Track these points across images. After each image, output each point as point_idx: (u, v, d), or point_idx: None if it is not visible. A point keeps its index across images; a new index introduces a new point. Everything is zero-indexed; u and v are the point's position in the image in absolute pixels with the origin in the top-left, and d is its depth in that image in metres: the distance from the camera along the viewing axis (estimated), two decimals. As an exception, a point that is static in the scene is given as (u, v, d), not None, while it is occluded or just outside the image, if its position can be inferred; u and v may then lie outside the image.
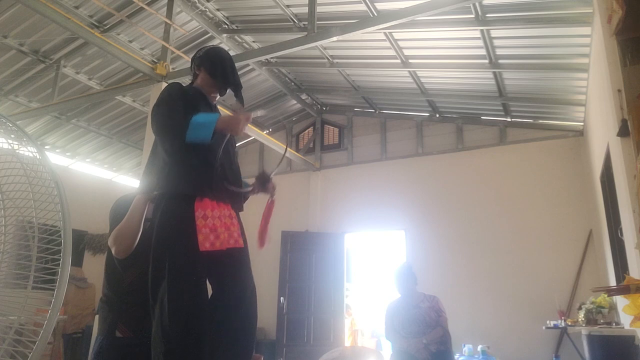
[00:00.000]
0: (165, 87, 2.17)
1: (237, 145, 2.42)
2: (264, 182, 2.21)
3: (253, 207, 2.50)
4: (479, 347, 5.83)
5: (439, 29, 5.59)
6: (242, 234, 2.11)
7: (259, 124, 9.34)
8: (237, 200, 2.14)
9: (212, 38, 6.82)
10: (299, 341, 7.69)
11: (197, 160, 1.98)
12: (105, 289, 2.15)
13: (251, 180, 2.27)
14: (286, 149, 2.59)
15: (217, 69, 2.21)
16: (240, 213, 2.18)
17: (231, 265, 2.02)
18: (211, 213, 1.97)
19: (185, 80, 7.03)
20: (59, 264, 1.70)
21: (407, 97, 7.79)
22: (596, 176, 5.43)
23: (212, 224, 1.95)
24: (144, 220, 2.05)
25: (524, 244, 6.81)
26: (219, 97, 2.31)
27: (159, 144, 2.05)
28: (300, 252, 8.15)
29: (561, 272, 6.51)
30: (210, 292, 2.00)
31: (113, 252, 2.04)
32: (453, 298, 6.15)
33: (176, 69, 6.32)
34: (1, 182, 1.86)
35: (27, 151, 1.85)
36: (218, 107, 2.39)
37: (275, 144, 7.99)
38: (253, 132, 7.48)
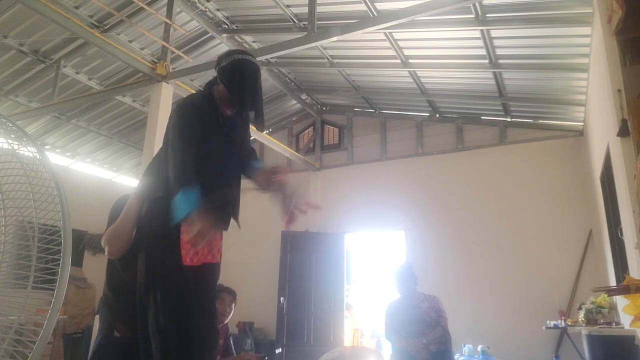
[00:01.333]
0: (181, 106, 2.08)
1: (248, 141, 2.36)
2: (269, 178, 2.21)
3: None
4: (479, 347, 5.82)
5: (439, 29, 5.59)
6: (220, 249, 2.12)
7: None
8: (224, 214, 2.08)
9: (212, 38, 6.82)
10: (299, 341, 7.69)
11: (204, 173, 1.94)
12: (106, 288, 2.15)
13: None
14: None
15: (234, 88, 2.07)
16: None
17: (203, 280, 2.02)
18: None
19: (186, 80, 7.04)
20: (59, 264, 1.70)
21: (407, 97, 7.79)
22: (596, 176, 5.43)
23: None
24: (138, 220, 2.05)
25: (524, 244, 6.81)
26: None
27: (166, 156, 2.00)
28: (300, 252, 8.14)
29: (561, 272, 6.51)
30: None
31: (106, 252, 2.02)
32: (453, 298, 6.14)
33: (176, 69, 6.32)
34: (1, 182, 1.86)
35: (27, 151, 1.86)
36: (236, 118, 2.23)
37: (276, 144, 7.99)
38: (253, 133, 7.47)
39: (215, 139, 2.10)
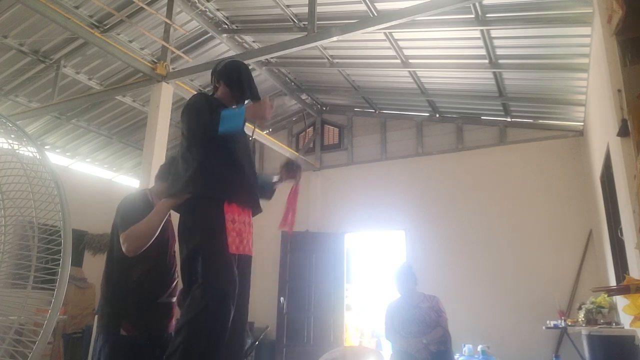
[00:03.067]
0: (192, 97, 2.29)
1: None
2: (290, 169, 2.41)
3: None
4: (479, 347, 5.82)
5: (439, 29, 5.59)
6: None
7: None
8: (257, 206, 2.26)
9: (212, 38, 6.81)
10: (299, 341, 7.69)
11: (227, 167, 2.10)
12: (105, 289, 2.15)
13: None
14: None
15: (234, 81, 2.34)
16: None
17: (244, 271, 2.11)
18: (237, 218, 2.08)
19: (186, 80, 7.05)
20: (59, 264, 1.70)
21: (407, 97, 7.79)
22: (596, 176, 5.43)
23: (238, 228, 2.07)
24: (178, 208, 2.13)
25: (524, 244, 6.81)
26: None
27: (190, 147, 2.14)
28: (300, 252, 8.14)
29: (561, 272, 6.51)
30: None
31: (124, 248, 2.03)
32: (453, 298, 6.14)
33: (176, 69, 6.31)
34: (1, 182, 1.86)
35: (27, 151, 1.86)
36: None
37: (276, 144, 7.99)
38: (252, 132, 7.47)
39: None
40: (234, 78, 2.34)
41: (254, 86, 2.39)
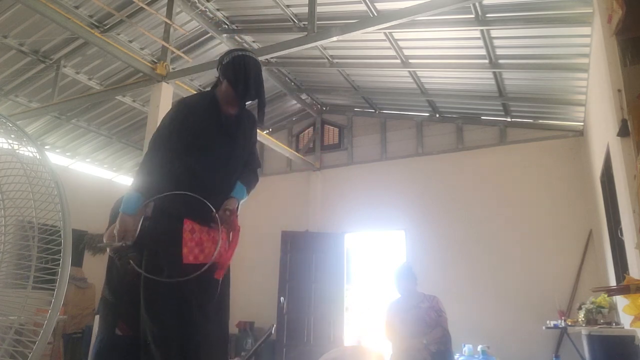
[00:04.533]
0: (174, 106, 2.17)
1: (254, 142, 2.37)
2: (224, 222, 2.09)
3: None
4: (479, 347, 5.82)
5: (439, 29, 5.59)
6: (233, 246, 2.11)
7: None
8: (215, 221, 2.07)
9: (212, 38, 6.81)
10: (299, 341, 7.69)
11: (184, 183, 1.98)
12: (105, 289, 2.16)
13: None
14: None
15: (239, 80, 2.12)
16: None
17: (211, 279, 2.00)
18: (199, 227, 1.99)
19: (186, 80, 7.04)
20: (59, 264, 1.70)
21: (407, 97, 7.79)
22: (596, 176, 5.43)
23: (198, 238, 1.97)
24: (144, 219, 2.05)
25: (524, 244, 6.81)
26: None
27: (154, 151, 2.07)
28: (300, 252, 8.14)
29: (561, 272, 6.51)
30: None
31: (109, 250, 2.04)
32: (453, 298, 6.14)
33: (176, 69, 6.31)
34: (1, 182, 1.86)
35: (27, 151, 1.86)
36: (238, 118, 2.25)
37: (276, 144, 7.99)
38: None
39: (212, 137, 2.12)
40: (239, 76, 2.11)
41: (261, 90, 2.18)
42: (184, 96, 2.23)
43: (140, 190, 1.93)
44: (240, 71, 2.12)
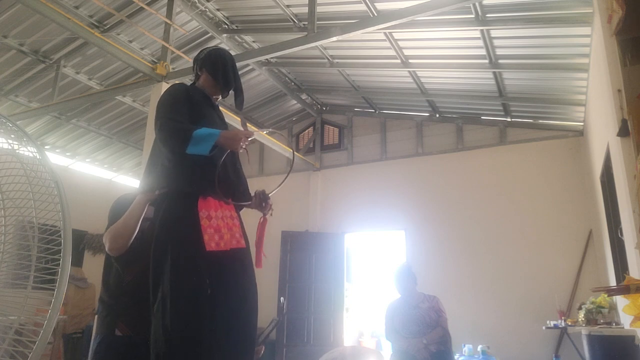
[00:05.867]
0: (169, 87, 2.18)
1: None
2: (261, 201, 2.20)
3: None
4: (479, 347, 5.83)
5: (439, 29, 5.59)
6: (244, 234, 2.11)
7: (259, 124, 9.35)
8: (239, 195, 2.14)
9: (212, 38, 6.81)
10: (299, 341, 7.69)
11: (201, 159, 1.96)
12: (102, 289, 2.16)
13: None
14: (292, 163, 2.57)
15: (218, 70, 2.22)
16: (241, 212, 2.19)
17: (233, 266, 1.99)
18: (215, 213, 1.97)
19: (186, 81, 7.04)
20: (59, 264, 1.70)
21: (407, 97, 7.79)
22: (596, 176, 5.43)
23: (216, 224, 1.95)
24: (144, 219, 2.05)
25: (524, 244, 6.81)
26: (220, 98, 2.32)
27: (160, 145, 2.04)
28: (300, 252, 8.15)
29: (561, 272, 6.51)
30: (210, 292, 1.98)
31: (107, 248, 2.03)
32: (453, 298, 6.15)
33: (176, 69, 6.32)
34: (1, 182, 1.86)
35: (27, 151, 1.85)
36: (220, 107, 2.41)
37: (275, 144, 7.99)
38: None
39: (213, 119, 2.16)
40: (218, 67, 2.21)
41: (238, 77, 2.29)
42: (176, 83, 2.27)
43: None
44: (218, 61, 2.24)
